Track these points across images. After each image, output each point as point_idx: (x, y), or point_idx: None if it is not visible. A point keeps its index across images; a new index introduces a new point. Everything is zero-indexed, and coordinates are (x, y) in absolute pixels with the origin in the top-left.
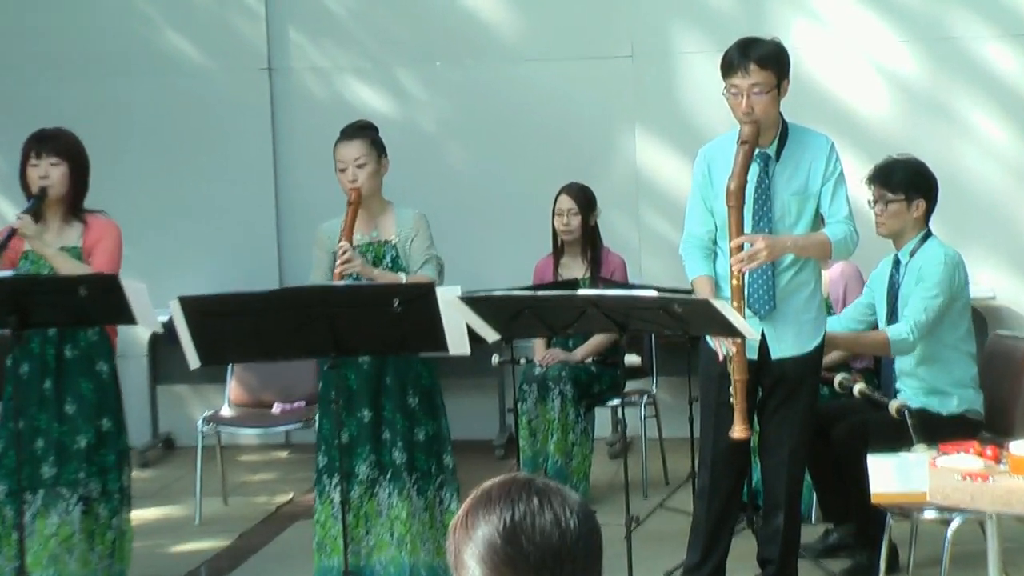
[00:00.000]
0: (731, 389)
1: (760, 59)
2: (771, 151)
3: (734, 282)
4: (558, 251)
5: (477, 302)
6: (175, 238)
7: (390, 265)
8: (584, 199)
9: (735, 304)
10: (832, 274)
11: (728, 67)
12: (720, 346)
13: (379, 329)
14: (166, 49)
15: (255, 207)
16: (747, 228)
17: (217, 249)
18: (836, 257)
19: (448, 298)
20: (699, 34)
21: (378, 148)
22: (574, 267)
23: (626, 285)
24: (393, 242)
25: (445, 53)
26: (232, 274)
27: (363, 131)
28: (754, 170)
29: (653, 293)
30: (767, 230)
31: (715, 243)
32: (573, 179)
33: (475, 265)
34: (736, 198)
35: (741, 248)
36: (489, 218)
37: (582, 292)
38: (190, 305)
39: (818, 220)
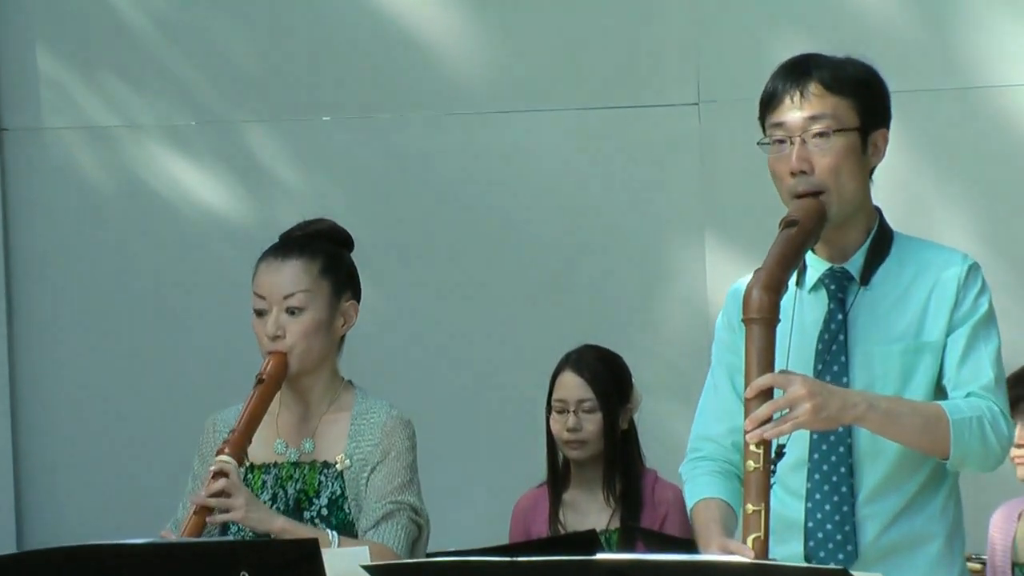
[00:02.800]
0: None
1: (831, 80)
2: (853, 267)
3: (750, 464)
4: (559, 478)
5: (404, 575)
6: None
7: (324, 510)
8: (608, 379)
9: (751, 510)
10: None
11: (770, 98)
12: None
13: None
14: None
15: None
16: None
17: None
18: (957, 458)
19: (346, 569)
20: None
21: (336, 278)
22: (589, 508)
23: (689, 543)
24: (339, 467)
25: (341, 99)
26: None
27: (307, 246)
28: (820, 299)
29: (741, 557)
30: None
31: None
32: (586, 339)
33: None
34: (763, 306)
35: (768, 398)
36: (424, 416)
37: (604, 557)
38: None
39: (939, 395)
